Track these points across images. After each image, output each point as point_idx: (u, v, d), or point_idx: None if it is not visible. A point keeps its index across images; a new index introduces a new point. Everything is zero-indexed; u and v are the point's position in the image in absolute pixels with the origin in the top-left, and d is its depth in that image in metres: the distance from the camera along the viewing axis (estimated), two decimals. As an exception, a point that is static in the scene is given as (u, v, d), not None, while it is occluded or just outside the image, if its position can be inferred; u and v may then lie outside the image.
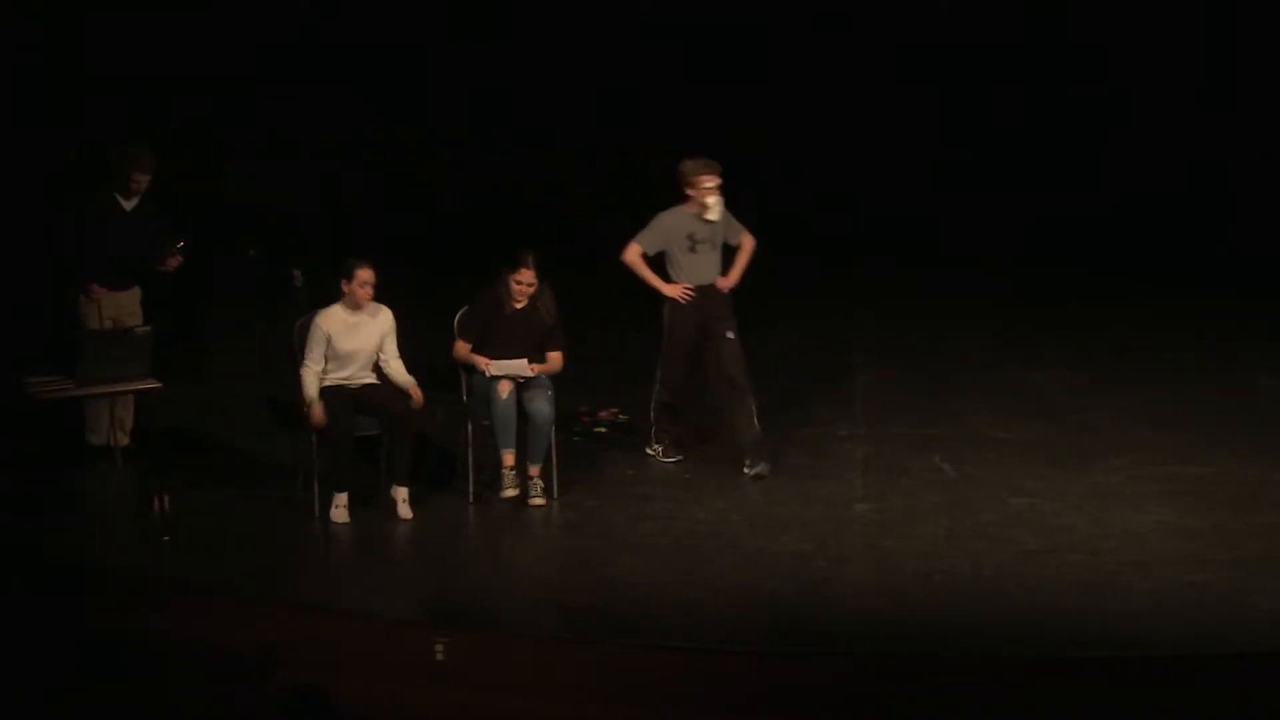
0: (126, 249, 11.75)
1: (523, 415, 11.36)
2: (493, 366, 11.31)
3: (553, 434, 11.43)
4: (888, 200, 17.16)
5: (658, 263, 11.88)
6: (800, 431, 12.47)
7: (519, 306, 11.43)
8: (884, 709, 9.32)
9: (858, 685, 9.40)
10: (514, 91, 17.60)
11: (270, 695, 8.41)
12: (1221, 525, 10.93)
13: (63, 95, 15.83)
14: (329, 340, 11.20)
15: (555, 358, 11.49)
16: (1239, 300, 15.27)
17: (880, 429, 12.64)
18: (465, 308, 11.56)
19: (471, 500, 11.44)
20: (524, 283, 11.35)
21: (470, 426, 11.44)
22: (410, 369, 11.39)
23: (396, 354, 11.35)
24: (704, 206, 11.65)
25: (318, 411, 11.08)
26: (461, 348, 11.45)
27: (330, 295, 11.37)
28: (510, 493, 11.33)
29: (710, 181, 11.64)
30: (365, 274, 11.24)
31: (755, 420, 11.76)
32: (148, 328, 11.57)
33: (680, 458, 12.03)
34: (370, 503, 11.33)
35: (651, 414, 12.05)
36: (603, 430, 12.57)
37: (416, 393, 11.20)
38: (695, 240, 11.73)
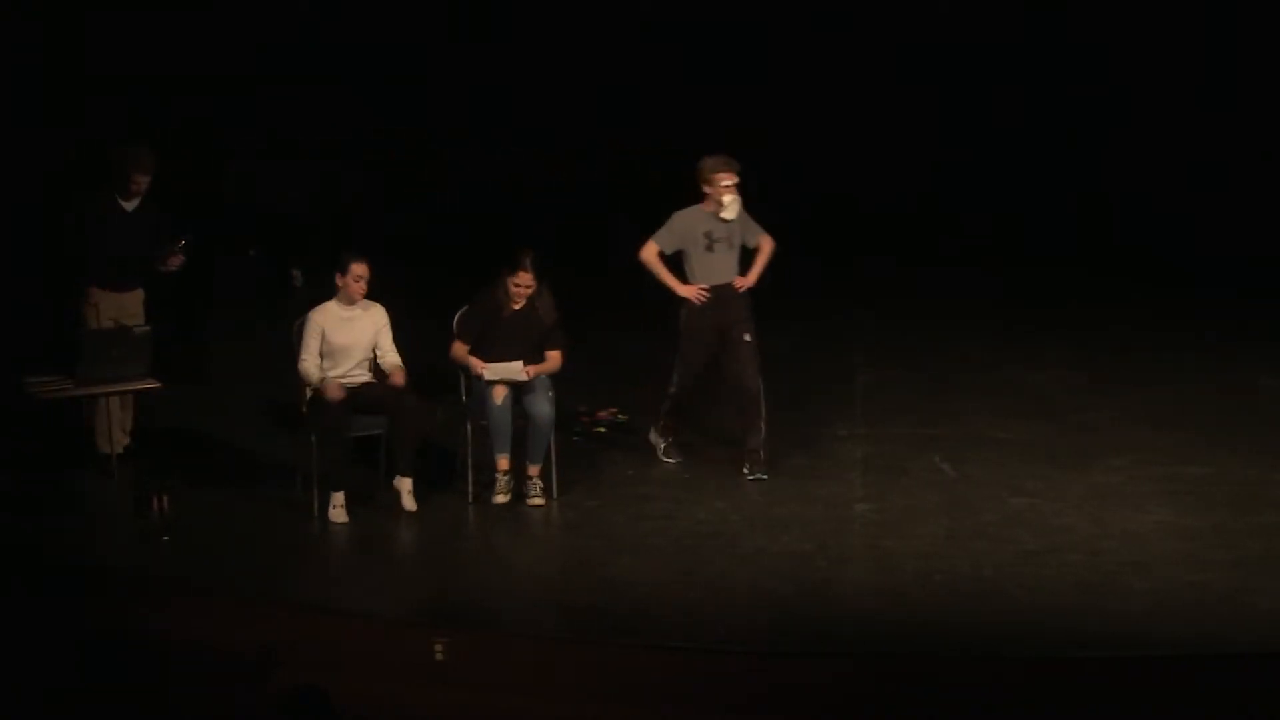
0: (127, 249, 11.74)
1: (523, 415, 11.36)
2: (488, 371, 11.30)
3: (552, 434, 11.43)
4: (888, 200, 17.17)
5: (675, 262, 11.82)
6: (800, 431, 12.46)
7: (517, 308, 11.43)
8: (884, 709, 9.32)
9: (858, 685, 9.40)
10: (514, 91, 17.61)
11: (270, 695, 8.41)
12: (1221, 525, 10.93)
13: (63, 95, 15.83)
14: (323, 335, 11.21)
15: (554, 357, 11.49)
16: (1239, 300, 15.27)
17: (880, 429, 12.63)
18: (464, 308, 11.56)
19: (471, 500, 11.44)
20: (522, 285, 11.35)
21: (469, 427, 11.44)
22: (410, 369, 11.39)
23: (393, 349, 11.36)
24: (720, 205, 11.61)
25: (333, 387, 11.09)
26: (459, 349, 11.45)
27: (330, 294, 11.37)
28: (501, 498, 11.33)
29: (727, 180, 11.57)
30: (359, 268, 11.27)
31: (762, 427, 11.73)
32: (147, 327, 11.57)
33: (680, 459, 11.99)
34: (370, 502, 11.34)
35: (661, 410, 11.98)
36: (602, 430, 12.57)
37: (399, 375, 11.20)
38: (712, 239, 11.67)
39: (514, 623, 10.02)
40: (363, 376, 11.33)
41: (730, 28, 17.48)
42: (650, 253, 11.73)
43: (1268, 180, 16.59)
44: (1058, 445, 12.24)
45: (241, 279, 15.83)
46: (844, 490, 11.61)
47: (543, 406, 11.35)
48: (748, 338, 11.70)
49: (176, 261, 11.81)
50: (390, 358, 11.34)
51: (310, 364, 11.22)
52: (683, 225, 11.71)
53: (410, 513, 11.19)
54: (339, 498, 11.11)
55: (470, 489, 11.46)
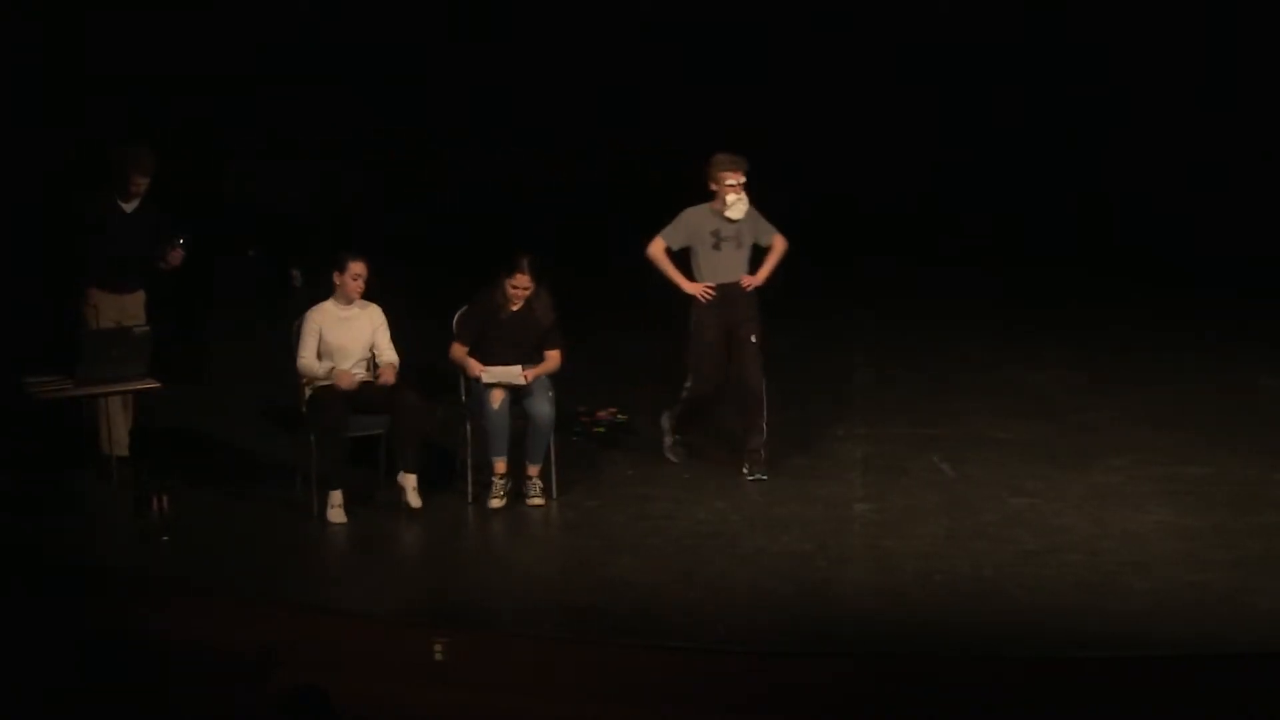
0: (126, 250, 11.73)
1: (523, 415, 11.36)
2: (485, 375, 11.30)
3: (552, 434, 11.42)
4: (888, 200, 17.17)
5: (684, 259, 11.78)
6: (800, 431, 12.46)
7: (515, 309, 11.43)
8: (884, 709, 9.32)
9: (858, 685, 9.40)
10: (514, 91, 17.61)
11: (270, 695, 8.41)
12: (1221, 525, 10.93)
13: (63, 95, 15.83)
14: (320, 334, 11.22)
15: (553, 356, 11.49)
16: (1239, 300, 15.27)
17: (880, 429, 12.63)
18: (463, 309, 11.56)
19: (471, 500, 11.44)
20: (519, 287, 11.35)
21: (469, 427, 11.45)
22: (410, 369, 11.40)
23: (390, 347, 11.36)
24: (724, 203, 11.60)
25: (345, 377, 11.12)
26: (459, 350, 11.45)
27: (329, 294, 11.37)
28: (497, 502, 11.33)
29: (732, 179, 11.54)
30: (357, 267, 11.28)
31: (764, 427, 11.72)
32: (147, 327, 11.56)
33: (683, 459, 11.97)
34: (370, 502, 11.35)
35: (675, 409, 11.89)
36: (602, 430, 12.57)
37: (389, 373, 11.19)
38: (720, 238, 11.63)
39: (514, 623, 10.02)
40: (362, 377, 11.33)
41: (730, 28, 17.49)
42: (657, 249, 11.71)
43: (1268, 180, 16.59)
44: (1058, 445, 12.24)
45: (241, 279, 15.83)
46: (844, 490, 11.61)
47: (543, 407, 11.35)
48: (753, 339, 11.68)
49: (177, 257, 11.79)
50: (387, 356, 11.34)
51: (309, 360, 11.23)
52: (691, 222, 11.68)
53: (413, 511, 11.19)
54: (337, 497, 11.11)
55: (470, 489, 11.46)
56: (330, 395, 11.16)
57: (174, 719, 8.98)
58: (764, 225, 11.79)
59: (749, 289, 11.69)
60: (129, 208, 11.75)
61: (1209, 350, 14.24)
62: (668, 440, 11.99)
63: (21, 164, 14.92)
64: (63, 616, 9.86)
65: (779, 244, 11.80)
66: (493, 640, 9.79)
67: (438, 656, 9.53)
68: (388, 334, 11.39)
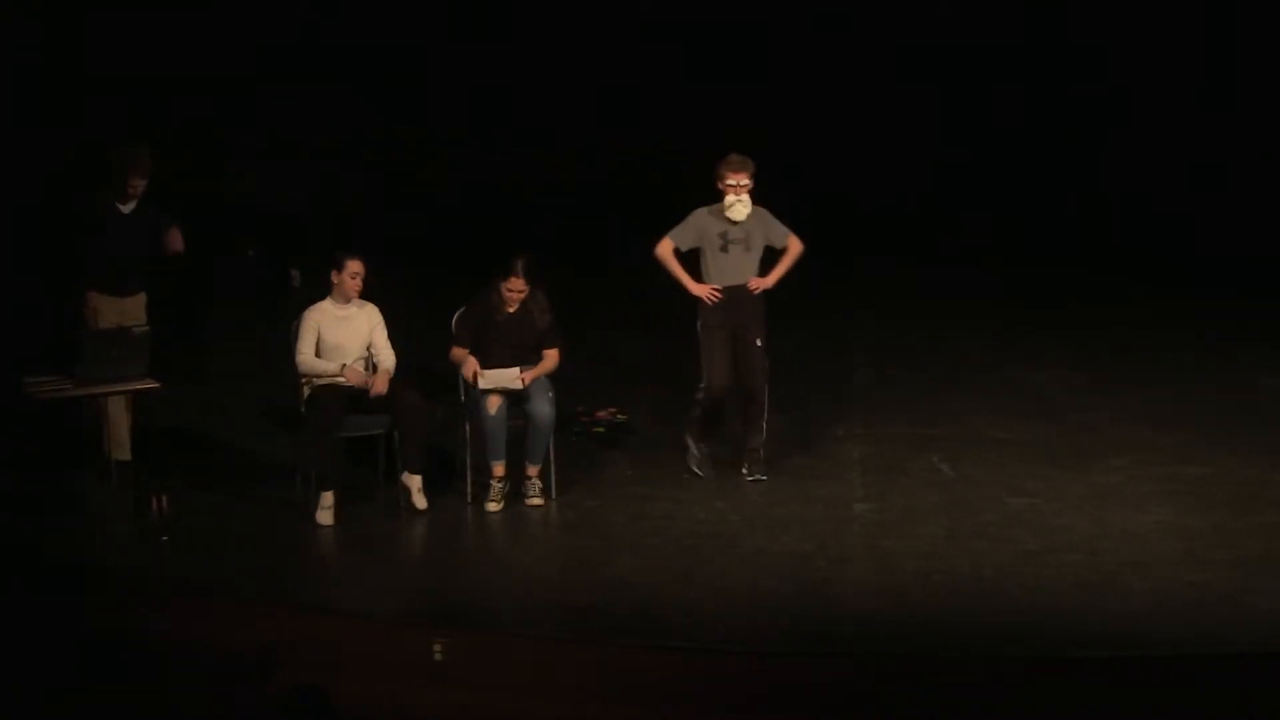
0: (124, 251, 11.71)
1: (523, 415, 11.36)
2: (483, 380, 11.29)
3: (552, 435, 11.42)
4: (888, 200, 17.17)
5: (694, 260, 11.70)
6: (800, 431, 12.46)
7: (511, 311, 11.42)
8: (884, 709, 9.32)
9: (858, 685, 9.40)
10: (514, 91, 17.61)
11: (270, 695, 8.41)
12: (1221, 525, 10.93)
13: (63, 95, 15.83)
14: (318, 333, 11.22)
15: (551, 355, 11.48)
16: (1239, 300, 15.27)
17: (880, 429, 12.63)
18: (462, 309, 11.54)
19: (470, 501, 11.44)
20: (514, 290, 11.35)
21: (468, 427, 11.44)
22: (409, 369, 11.40)
23: (388, 346, 11.36)
24: (725, 204, 11.53)
25: (354, 373, 11.11)
26: (458, 353, 11.44)
27: (327, 294, 11.37)
28: (494, 505, 11.33)
29: (732, 179, 11.45)
30: (355, 266, 11.28)
31: (764, 428, 11.71)
32: (146, 327, 11.56)
33: (712, 474, 11.75)
34: (370, 502, 11.35)
35: (690, 417, 11.75)
36: (601, 430, 12.57)
37: (383, 382, 11.18)
38: (727, 240, 11.53)
39: (514, 623, 10.02)
40: (352, 376, 11.30)
41: (730, 28, 17.48)
42: (665, 249, 11.62)
43: (1268, 180, 16.59)
44: (1057, 445, 12.24)
45: (241, 279, 15.83)
46: (844, 490, 11.60)
47: (543, 407, 11.35)
48: (758, 342, 11.62)
49: (177, 241, 11.76)
50: (385, 354, 11.33)
51: (311, 358, 11.21)
52: (699, 223, 11.60)
53: (419, 511, 11.20)
54: (328, 498, 11.10)
55: (469, 489, 11.46)
56: (328, 395, 11.16)
57: (174, 719, 8.98)
58: (777, 228, 11.67)
59: (756, 292, 11.61)
60: (127, 208, 11.74)
61: (1209, 350, 14.24)
62: (694, 456, 11.78)
63: (21, 164, 14.92)
64: (63, 616, 9.86)
65: (794, 247, 11.68)
66: (493, 640, 9.79)
67: (438, 656, 9.53)
68: (385, 333, 11.39)
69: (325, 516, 11.09)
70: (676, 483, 11.75)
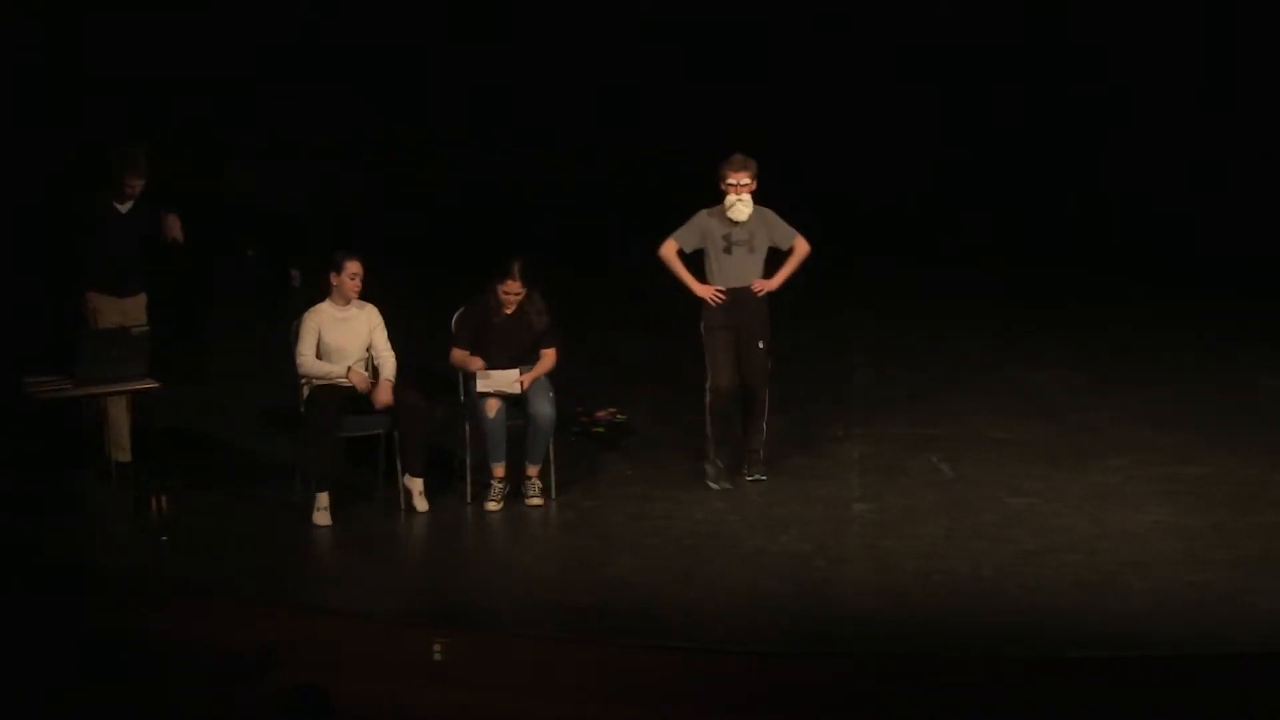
0: (122, 250, 11.70)
1: (524, 415, 11.36)
2: (481, 384, 11.28)
3: (552, 435, 11.42)
4: (888, 200, 17.17)
5: (697, 262, 11.66)
6: (799, 431, 12.46)
7: (508, 313, 11.42)
8: (884, 709, 9.32)
9: (858, 685, 9.40)
10: (514, 91, 17.61)
11: (270, 695, 8.41)
12: (1221, 525, 10.93)
13: (63, 95, 15.83)
14: (319, 335, 11.21)
15: (549, 354, 11.47)
16: (1239, 300, 15.26)
17: (879, 429, 12.63)
18: (460, 310, 11.53)
19: (470, 501, 11.44)
20: (511, 293, 11.35)
21: (468, 427, 11.44)
22: (409, 369, 11.40)
23: (388, 347, 11.36)
24: (727, 205, 11.47)
25: (358, 376, 11.14)
26: (458, 354, 11.44)
27: (325, 295, 11.36)
28: (494, 505, 11.33)
29: (732, 178, 11.39)
30: (354, 266, 11.27)
31: (763, 429, 11.69)
32: (146, 327, 11.56)
33: (728, 485, 11.63)
34: (370, 502, 11.36)
35: (707, 427, 11.64)
36: (601, 430, 12.57)
37: (385, 392, 11.17)
38: (731, 242, 11.47)
39: (514, 623, 10.02)
40: (357, 379, 11.30)
41: (730, 28, 17.48)
42: (669, 250, 11.56)
43: (1268, 180, 16.58)
44: (1057, 445, 12.24)
45: (241, 279, 15.83)
46: (843, 490, 11.60)
47: (544, 407, 11.35)
48: (761, 345, 11.57)
49: (175, 228, 11.74)
50: (386, 356, 11.33)
51: (314, 361, 11.20)
52: (702, 225, 11.53)
53: (420, 512, 11.20)
54: (324, 499, 11.10)
55: (469, 489, 11.46)
56: (328, 395, 11.16)
57: (174, 719, 8.98)
58: (782, 229, 11.61)
59: (760, 294, 11.56)
60: (124, 208, 11.74)
61: (1209, 350, 14.23)
62: (710, 472, 11.64)
63: (21, 164, 14.91)
64: (63, 616, 9.86)
65: (800, 248, 11.61)
66: (493, 640, 9.79)
67: (438, 656, 9.53)
68: (385, 334, 11.39)
69: (322, 517, 11.09)
70: (676, 483, 11.75)
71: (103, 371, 11.29)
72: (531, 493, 11.41)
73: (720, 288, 11.54)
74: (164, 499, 11.28)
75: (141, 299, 11.84)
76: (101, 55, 16.07)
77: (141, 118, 15.62)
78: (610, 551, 10.79)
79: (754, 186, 11.47)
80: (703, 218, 11.57)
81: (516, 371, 11.34)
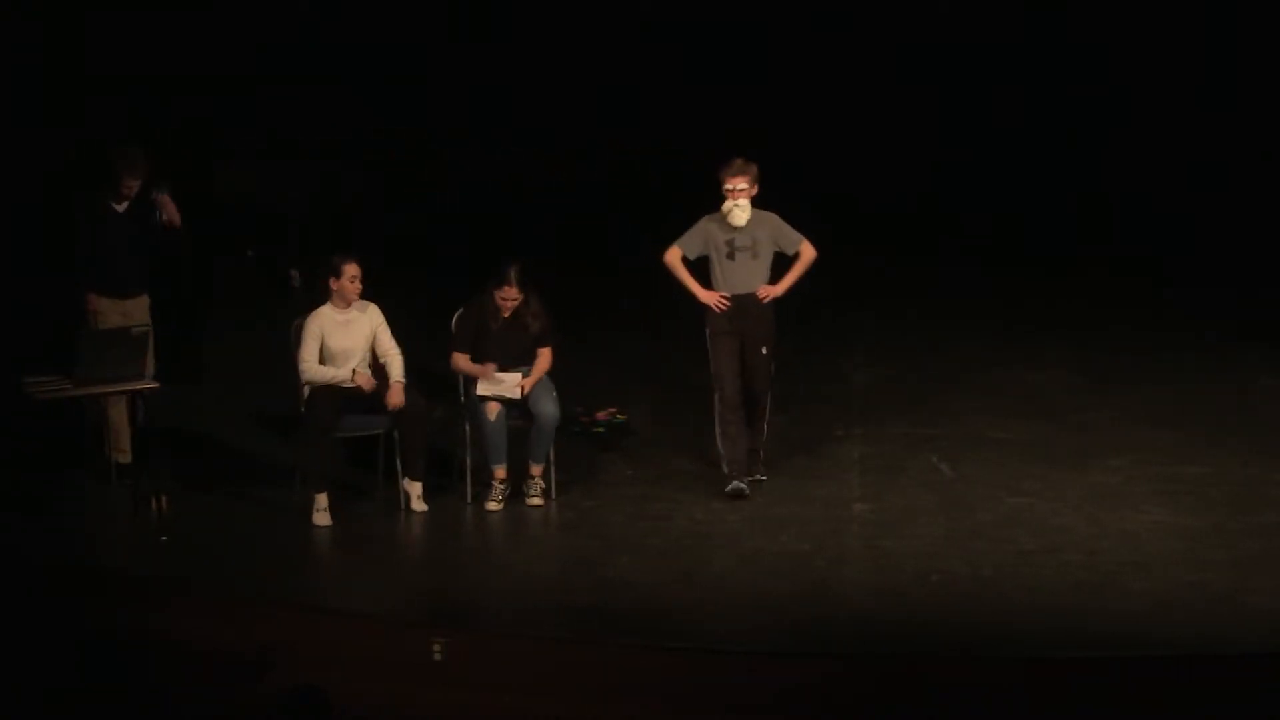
0: (119, 250, 11.68)
1: (527, 414, 11.36)
2: (481, 388, 11.27)
3: (555, 433, 11.42)
4: (888, 200, 17.17)
5: (704, 268, 11.58)
6: (798, 431, 12.46)
7: (506, 317, 11.41)
8: (884, 709, 9.33)
9: (857, 685, 9.41)
10: (514, 91, 17.61)
11: (270, 695, 8.42)
12: (1220, 525, 10.93)
13: (63, 95, 15.82)
14: (322, 340, 11.20)
15: (545, 354, 11.45)
16: (1239, 300, 15.26)
17: (879, 429, 12.63)
18: (460, 312, 11.52)
19: (470, 501, 11.45)
20: (508, 298, 11.34)
21: (468, 428, 11.45)
22: (409, 370, 11.40)
23: (393, 344, 11.35)
24: (725, 210, 11.40)
25: (364, 378, 11.13)
26: (459, 359, 11.43)
27: (325, 298, 11.35)
28: (494, 505, 11.34)
29: (729, 184, 11.30)
30: (352, 269, 11.25)
31: (764, 430, 11.65)
32: (146, 327, 11.55)
33: (744, 491, 11.44)
34: (370, 502, 11.36)
35: (719, 441, 11.52)
36: (601, 430, 12.57)
37: (395, 394, 11.17)
38: (734, 247, 11.38)
39: (514, 623, 10.02)
40: (363, 380, 11.30)
41: (730, 28, 17.48)
42: (673, 257, 11.48)
43: (1268, 180, 16.58)
44: (1056, 445, 12.24)
45: (241, 279, 15.82)
46: (842, 490, 11.61)
47: (547, 405, 11.36)
48: (764, 351, 11.52)
49: (171, 210, 11.72)
50: (393, 354, 11.31)
51: (316, 366, 11.18)
52: (705, 231, 11.44)
53: (416, 513, 11.20)
54: (322, 500, 11.11)
55: (469, 489, 11.47)
56: (327, 396, 11.16)
57: (174, 719, 8.98)
58: (788, 234, 11.51)
59: (765, 300, 11.47)
60: (122, 208, 11.72)
61: (1209, 350, 14.22)
62: (728, 478, 11.47)
63: (21, 164, 14.91)
64: (63, 616, 9.86)
65: (806, 254, 11.51)
66: (493, 640, 9.79)
67: (437, 656, 9.53)
68: (388, 331, 11.38)
69: (321, 518, 11.10)
70: (676, 483, 11.75)
71: (103, 371, 11.28)
72: (533, 492, 11.41)
73: (725, 294, 11.45)
74: (164, 499, 11.28)
75: (144, 301, 11.82)
76: (101, 55, 16.06)
77: (141, 118, 15.61)
78: (610, 551, 10.80)
79: (753, 192, 11.38)
80: (705, 224, 11.48)
81: (519, 375, 11.34)
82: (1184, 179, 16.84)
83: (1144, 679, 9.28)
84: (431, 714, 9.35)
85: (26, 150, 15.08)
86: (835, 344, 14.50)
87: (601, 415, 12.66)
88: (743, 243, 11.42)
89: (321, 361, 11.22)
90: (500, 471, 11.34)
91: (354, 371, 11.21)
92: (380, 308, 11.44)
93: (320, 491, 11.10)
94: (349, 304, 11.29)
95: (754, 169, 11.38)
